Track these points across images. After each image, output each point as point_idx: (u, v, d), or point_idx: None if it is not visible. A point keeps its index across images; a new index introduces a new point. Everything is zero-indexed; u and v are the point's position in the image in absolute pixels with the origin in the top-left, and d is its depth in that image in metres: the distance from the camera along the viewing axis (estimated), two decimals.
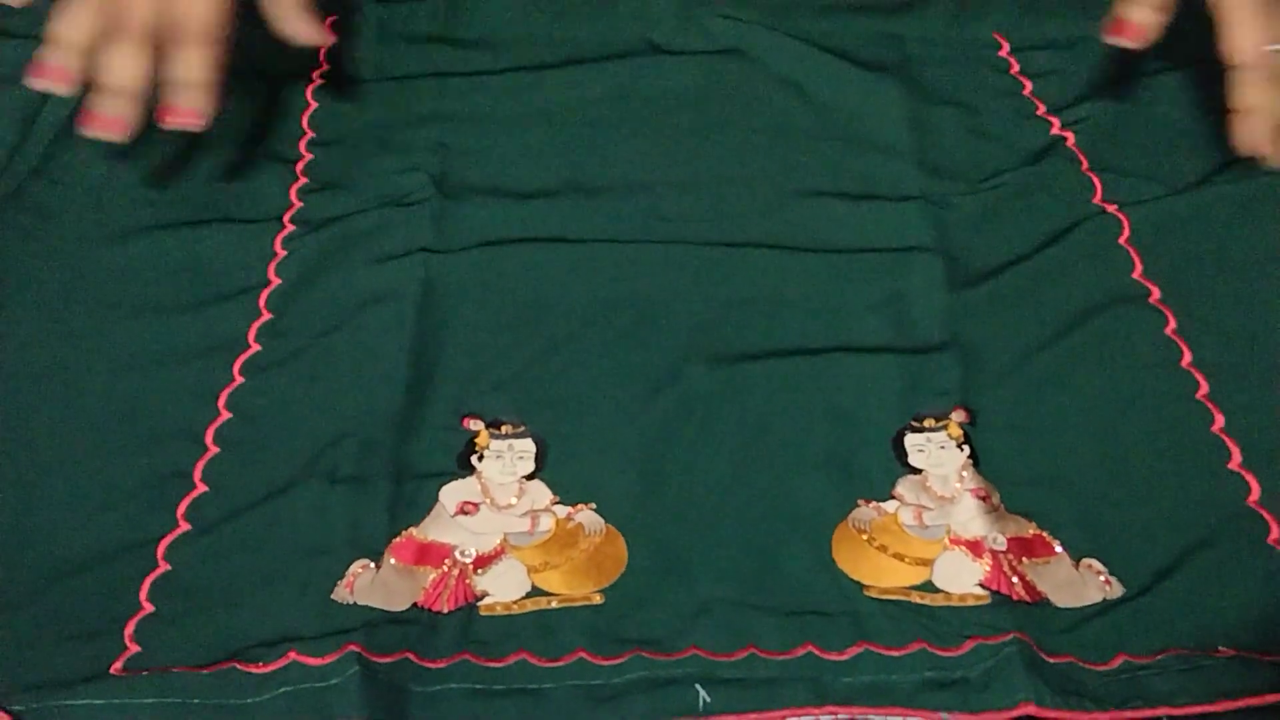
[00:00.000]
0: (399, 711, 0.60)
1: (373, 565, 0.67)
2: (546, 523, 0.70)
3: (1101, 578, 0.67)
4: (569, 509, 0.71)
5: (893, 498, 0.71)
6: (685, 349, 0.78)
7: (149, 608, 0.65)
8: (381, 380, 0.75)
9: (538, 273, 0.82)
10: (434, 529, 0.69)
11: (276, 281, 0.81)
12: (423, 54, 0.99)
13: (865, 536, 0.69)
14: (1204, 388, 0.76)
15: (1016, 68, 0.99)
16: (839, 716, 0.62)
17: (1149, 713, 0.60)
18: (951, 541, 0.69)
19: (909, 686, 0.62)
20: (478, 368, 0.77)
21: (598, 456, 0.73)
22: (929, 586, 0.67)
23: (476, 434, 0.74)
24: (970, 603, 0.66)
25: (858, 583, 0.67)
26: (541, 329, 0.79)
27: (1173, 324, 0.79)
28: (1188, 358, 0.77)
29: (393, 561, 0.67)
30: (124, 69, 0.73)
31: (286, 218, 0.86)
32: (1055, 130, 0.93)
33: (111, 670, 0.62)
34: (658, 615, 0.66)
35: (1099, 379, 0.76)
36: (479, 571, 0.68)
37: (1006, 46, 1.01)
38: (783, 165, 0.91)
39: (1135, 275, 0.82)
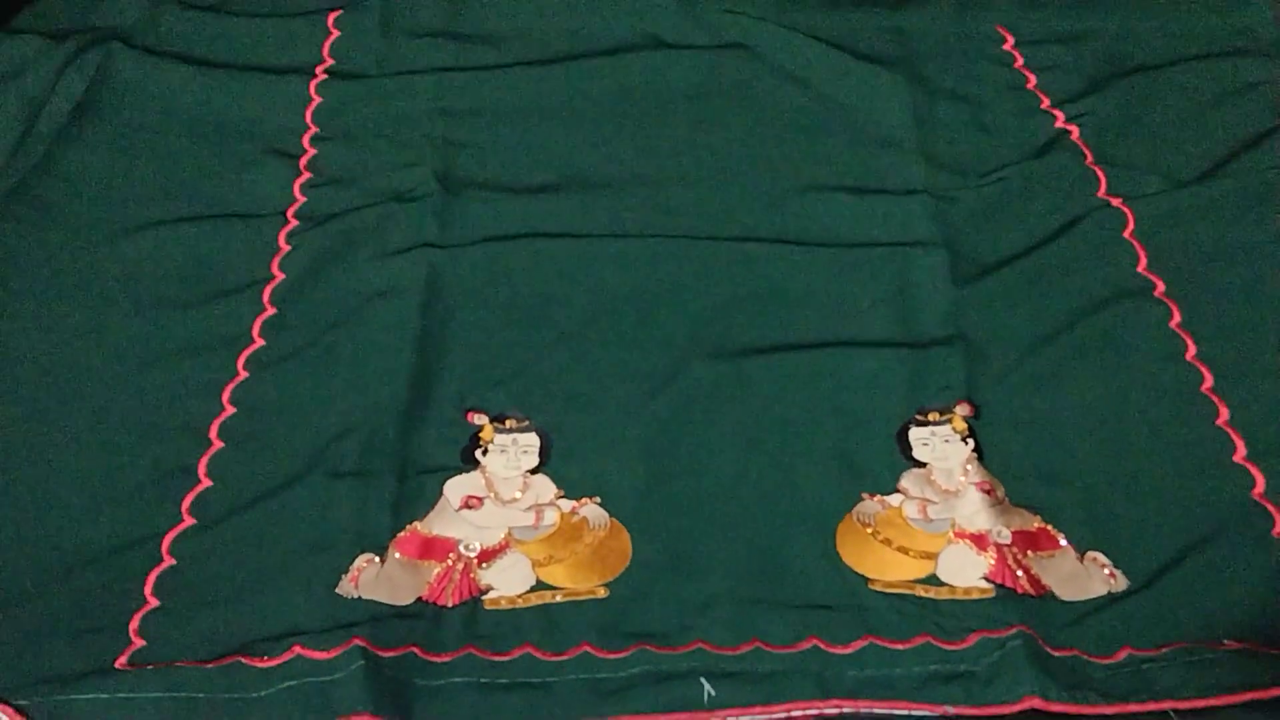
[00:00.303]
0: (404, 705, 0.61)
1: (377, 560, 0.67)
2: (551, 517, 0.70)
3: (1106, 571, 0.67)
4: (573, 503, 0.71)
5: (897, 491, 0.71)
6: (689, 343, 0.78)
7: (154, 602, 0.65)
8: (385, 375, 0.76)
9: (541, 267, 0.82)
10: (438, 523, 0.69)
11: (280, 276, 0.81)
12: (426, 49, 0.99)
13: (870, 530, 0.69)
14: (1208, 381, 0.75)
15: (1020, 61, 0.99)
16: (844, 709, 0.62)
17: (1154, 706, 0.60)
18: (956, 535, 0.69)
19: (914, 680, 0.62)
20: (482, 362, 0.77)
21: (602, 451, 0.73)
22: (934, 580, 0.67)
23: (481, 428, 0.74)
24: (975, 596, 0.66)
25: (862, 576, 0.67)
26: (545, 323, 0.79)
27: (1177, 317, 0.79)
28: (1192, 351, 0.77)
29: (397, 556, 0.67)
30: None
31: (290, 212, 0.86)
32: (1059, 124, 0.93)
33: (116, 664, 0.62)
34: (662, 609, 0.66)
35: (1103, 373, 0.76)
36: (483, 566, 0.68)
37: (1011, 40, 1.01)
38: (786, 160, 0.91)
39: (1140, 269, 0.82)
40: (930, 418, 0.74)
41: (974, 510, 0.70)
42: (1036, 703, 0.60)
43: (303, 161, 0.90)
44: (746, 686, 0.62)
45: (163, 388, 0.75)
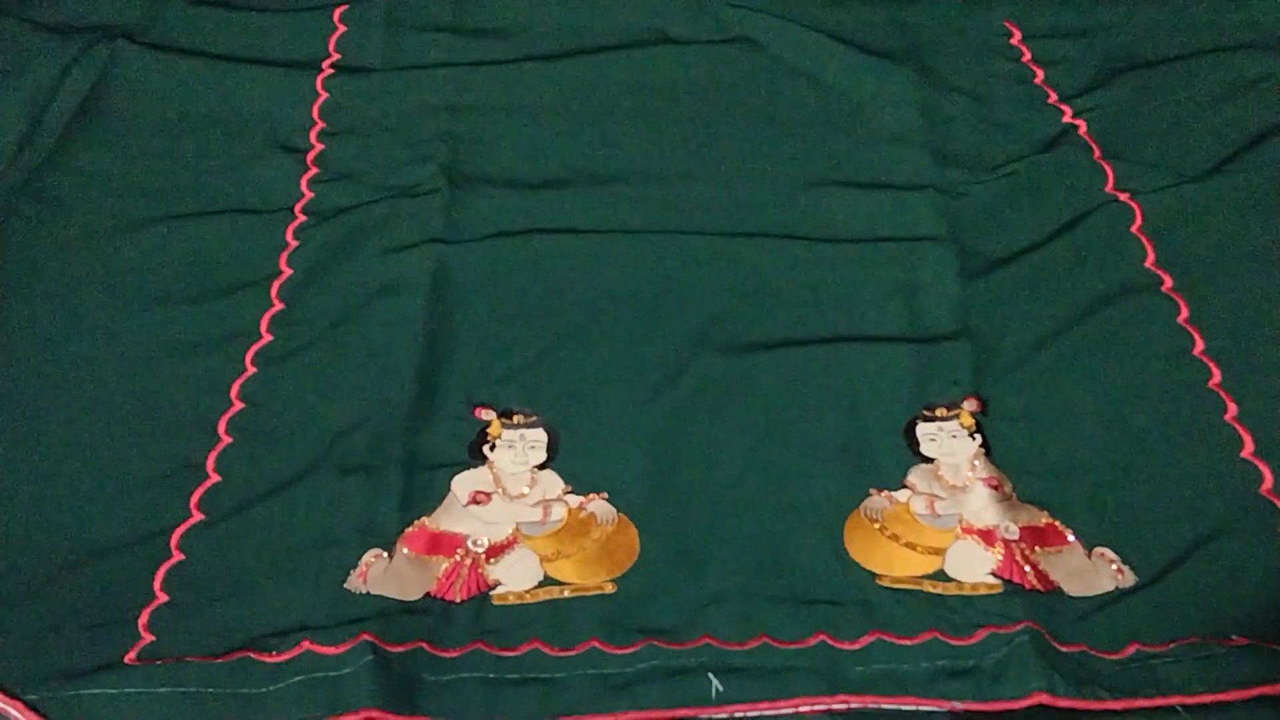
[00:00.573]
0: (412, 700, 0.61)
1: (385, 555, 0.67)
2: (559, 512, 0.70)
3: (1114, 566, 0.67)
4: (581, 498, 0.71)
5: (905, 487, 0.71)
6: (697, 338, 0.78)
7: (163, 597, 0.65)
8: (393, 370, 0.76)
9: (549, 263, 0.82)
10: (446, 519, 0.69)
11: (288, 272, 0.81)
12: (433, 44, 0.99)
13: (877, 526, 0.69)
14: (1216, 376, 0.75)
15: (1028, 56, 0.99)
16: (851, 705, 0.62)
17: (1162, 701, 0.60)
18: (964, 530, 0.69)
19: (921, 675, 0.62)
20: (489, 358, 0.77)
21: (610, 446, 0.73)
22: (941, 575, 0.67)
23: (488, 424, 0.74)
24: (983, 591, 0.66)
25: (870, 572, 0.67)
26: (553, 319, 0.79)
27: (1185, 312, 0.79)
28: (1200, 346, 0.77)
29: (405, 551, 0.67)
30: None
31: (298, 208, 0.86)
32: (1067, 118, 0.93)
33: (125, 659, 0.62)
34: (670, 604, 0.66)
35: (1111, 368, 0.76)
36: (491, 561, 0.68)
37: (1018, 34, 1.00)
38: (794, 154, 0.91)
39: (1147, 264, 0.82)
40: (938, 413, 0.74)
41: (982, 505, 0.70)
42: (1044, 698, 0.60)
43: (310, 157, 0.90)
44: (754, 682, 0.62)
45: (171, 383, 0.75)
